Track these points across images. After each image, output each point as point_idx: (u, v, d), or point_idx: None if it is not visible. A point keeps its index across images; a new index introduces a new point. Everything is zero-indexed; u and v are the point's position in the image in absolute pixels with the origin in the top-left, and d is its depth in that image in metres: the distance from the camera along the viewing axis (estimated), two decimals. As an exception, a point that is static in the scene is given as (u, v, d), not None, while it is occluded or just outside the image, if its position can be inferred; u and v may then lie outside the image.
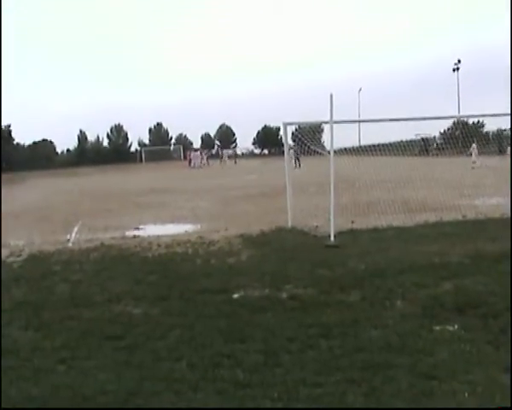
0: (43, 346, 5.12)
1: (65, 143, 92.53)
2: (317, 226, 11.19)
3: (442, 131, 23.42)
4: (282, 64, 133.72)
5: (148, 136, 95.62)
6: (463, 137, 18.80)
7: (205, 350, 4.80)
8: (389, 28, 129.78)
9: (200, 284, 7.08)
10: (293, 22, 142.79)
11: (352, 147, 15.95)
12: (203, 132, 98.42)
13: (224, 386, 4.08)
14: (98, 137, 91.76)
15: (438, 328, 5.16)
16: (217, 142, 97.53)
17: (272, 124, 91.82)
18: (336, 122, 10.63)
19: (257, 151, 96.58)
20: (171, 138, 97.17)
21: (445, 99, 74.06)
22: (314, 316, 5.59)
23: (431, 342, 4.79)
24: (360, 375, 4.16)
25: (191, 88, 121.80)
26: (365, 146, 16.31)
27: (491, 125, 20.65)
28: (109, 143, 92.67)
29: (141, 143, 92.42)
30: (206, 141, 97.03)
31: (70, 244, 11.00)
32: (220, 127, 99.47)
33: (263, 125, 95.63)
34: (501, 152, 21.47)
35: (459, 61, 69.90)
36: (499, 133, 19.86)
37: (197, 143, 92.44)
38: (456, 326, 5.17)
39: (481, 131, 23.59)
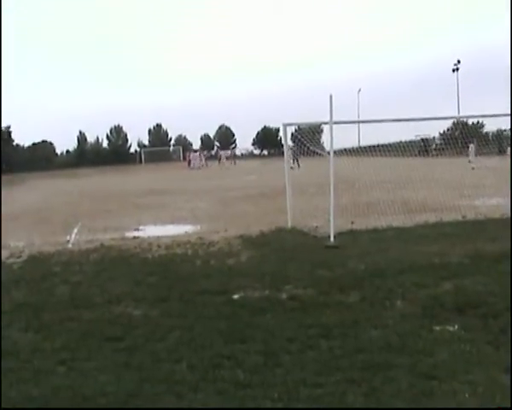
0: (43, 347, 5.11)
1: (64, 144, 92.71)
2: (316, 227, 11.19)
3: (442, 131, 23.45)
4: (281, 65, 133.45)
5: (147, 137, 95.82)
6: (463, 137, 18.80)
7: (205, 351, 4.80)
8: (389, 29, 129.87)
9: (200, 285, 7.08)
10: (293, 23, 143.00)
11: (352, 148, 15.95)
12: (203, 133, 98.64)
13: (224, 387, 4.08)
14: (98, 138, 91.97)
15: (438, 328, 5.17)
16: (216, 143, 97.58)
17: (272, 125, 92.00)
18: (336, 123, 10.64)
19: (256, 152, 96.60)
20: (170, 139, 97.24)
21: (445, 99, 74.19)
22: (314, 317, 5.59)
23: (431, 343, 4.79)
24: (360, 375, 4.16)
25: (191, 89, 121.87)
26: (365, 147, 16.31)
27: (490, 126, 20.65)
28: (109, 145, 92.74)
29: (140, 144, 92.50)
30: (206, 142, 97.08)
31: (70, 245, 10.99)
32: (220, 128, 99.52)
33: (262, 126, 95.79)
34: (501, 152, 21.46)
35: (459, 62, 70.03)
36: (499, 134, 19.85)
37: (197, 144, 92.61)
38: (456, 326, 5.17)
39: (481, 132, 23.59)
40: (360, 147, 16.85)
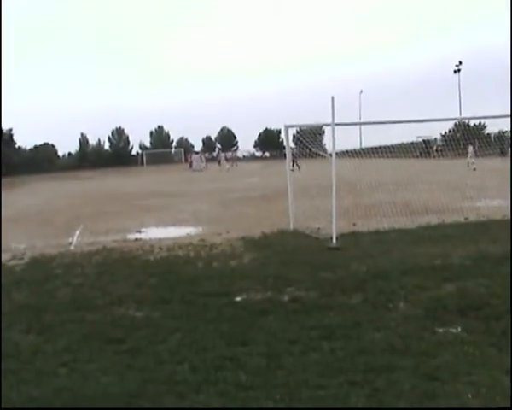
0: (44, 349, 5.12)
1: (66, 146, 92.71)
2: (318, 229, 11.18)
3: (443, 132, 23.45)
4: (283, 66, 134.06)
5: (149, 139, 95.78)
6: (465, 138, 18.81)
7: (207, 353, 4.79)
8: (391, 30, 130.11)
9: (202, 287, 7.08)
10: (296, 24, 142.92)
11: (354, 149, 15.94)
12: (204, 135, 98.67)
13: (226, 388, 4.08)
14: (99, 140, 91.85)
15: (440, 330, 5.16)
16: (218, 145, 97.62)
17: (274, 126, 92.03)
18: (338, 124, 10.63)
19: (258, 154, 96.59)
20: (172, 141, 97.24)
21: (447, 100, 74.14)
22: (316, 318, 5.59)
23: (434, 345, 4.78)
24: (363, 377, 4.15)
25: (192, 91, 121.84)
26: (367, 148, 16.32)
27: (492, 127, 20.62)
28: (110, 147, 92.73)
29: (142, 147, 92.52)
30: (208, 144, 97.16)
31: (72, 247, 11.00)
32: (221, 130, 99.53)
33: (264, 128, 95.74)
34: (502, 154, 21.45)
35: (460, 63, 69.93)
36: (500, 135, 19.84)
37: (198, 147, 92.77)
38: (458, 328, 5.16)
39: (483, 133, 23.58)
40: (362, 148, 16.86)
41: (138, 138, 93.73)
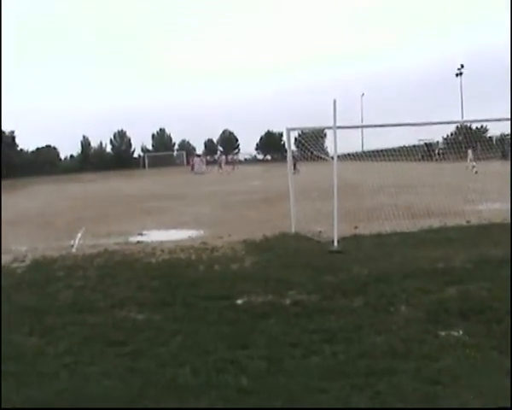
0: (46, 351, 5.12)
1: (68, 148, 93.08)
2: (320, 232, 11.17)
3: (445, 136, 23.48)
4: (286, 68, 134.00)
5: (151, 141, 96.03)
6: (467, 142, 18.80)
7: (208, 356, 4.79)
8: (391, 30, 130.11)
9: (204, 289, 7.08)
10: (295, 24, 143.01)
11: (356, 152, 15.96)
12: (206, 138, 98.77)
13: (227, 392, 4.07)
14: (101, 142, 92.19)
15: (442, 333, 5.15)
16: (220, 147, 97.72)
17: (275, 129, 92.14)
18: (339, 127, 10.63)
19: (260, 157, 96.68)
20: (174, 144, 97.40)
21: (447, 100, 74.07)
22: (317, 322, 5.58)
23: (435, 348, 4.77)
24: (364, 380, 4.14)
25: (194, 94, 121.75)
26: (368, 151, 16.31)
27: (494, 130, 20.62)
28: (112, 149, 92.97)
29: (144, 149, 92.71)
30: (210, 147, 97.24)
31: (73, 250, 11.01)
32: (223, 133, 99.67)
33: (266, 131, 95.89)
34: (504, 157, 21.42)
35: (462, 66, 70.00)
36: (502, 138, 19.82)
37: (200, 149, 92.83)
38: (460, 332, 5.15)
39: (485, 136, 23.59)
40: (364, 151, 16.87)
41: (140, 141, 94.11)
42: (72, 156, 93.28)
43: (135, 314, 6.25)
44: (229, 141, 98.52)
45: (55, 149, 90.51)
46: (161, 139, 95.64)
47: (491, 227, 11.38)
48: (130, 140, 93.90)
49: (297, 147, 16.94)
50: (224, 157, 69.63)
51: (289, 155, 13.46)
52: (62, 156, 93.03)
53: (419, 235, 10.87)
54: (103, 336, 5.43)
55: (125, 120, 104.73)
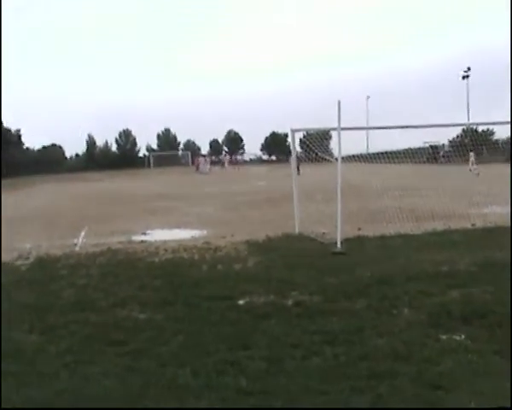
0: (47, 350, 5.11)
1: (74, 147, 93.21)
2: (323, 233, 11.15)
3: (451, 138, 23.39)
4: (291, 68, 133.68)
5: (156, 141, 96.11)
6: (473, 144, 18.71)
7: (209, 357, 4.77)
8: (391, 30, 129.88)
9: (206, 289, 7.07)
10: (295, 24, 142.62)
11: (360, 154, 15.92)
12: (211, 138, 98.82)
13: (227, 394, 4.05)
14: (107, 142, 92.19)
15: (444, 337, 5.12)
16: (225, 148, 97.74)
17: (281, 130, 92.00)
18: (344, 129, 10.59)
19: (265, 157, 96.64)
20: (179, 144, 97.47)
21: (448, 101, 73.75)
22: (319, 323, 5.56)
23: (437, 352, 4.74)
24: (365, 383, 4.12)
25: (200, 93, 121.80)
26: (373, 153, 16.28)
27: (500, 133, 20.54)
28: (118, 148, 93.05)
29: (149, 149, 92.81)
30: (215, 147, 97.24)
31: (77, 249, 11.03)
32: (228, 133, 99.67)
33: (271, 132, 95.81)
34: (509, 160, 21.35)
35: (469, 69, 69.71)
36: (508, 141, 19.75)
37: (205, 149, 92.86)
38: (462, 336, 5.11)
39: (491, 139, 23.49)
40: (368, 153, 16.82)
41: (145, 140, 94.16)
42: (77, 155, 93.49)
43: (136, 313, 6.25)
44: (234, 141, 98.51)
45: (60, 147, 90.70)
46: (166, 139, 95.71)
47: (496, 230, 11.32)
48: (135, 139, 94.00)
49: (302, 148, 16.92)
50: (227, 157, 69.63)
51: (293, 155, 13.45)
52: (68, 155, 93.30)
53: (423, 237, 10.83)
54: (104, 336, 5.43)
55: (130, 120, 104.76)
